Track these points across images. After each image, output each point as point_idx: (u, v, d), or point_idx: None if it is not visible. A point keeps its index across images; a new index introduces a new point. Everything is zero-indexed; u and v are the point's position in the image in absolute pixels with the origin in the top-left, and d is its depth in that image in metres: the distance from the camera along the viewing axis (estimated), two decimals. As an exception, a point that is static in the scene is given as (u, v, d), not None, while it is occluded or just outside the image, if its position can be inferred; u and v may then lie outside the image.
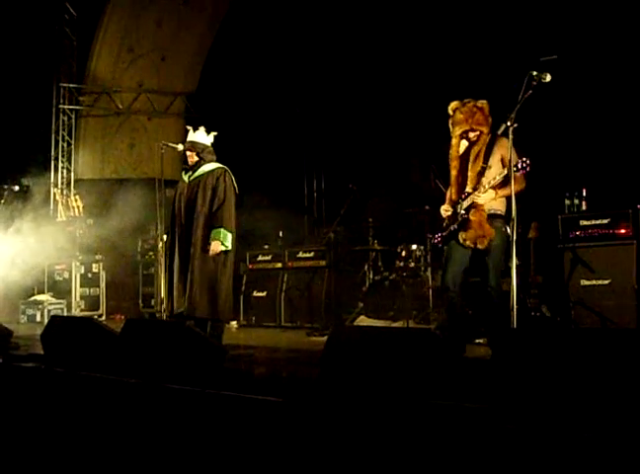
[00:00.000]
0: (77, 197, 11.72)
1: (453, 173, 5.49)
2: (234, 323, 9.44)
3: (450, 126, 5.46)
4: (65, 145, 12.59)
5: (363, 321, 7.87)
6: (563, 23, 7.60)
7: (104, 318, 10.80)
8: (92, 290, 11.05)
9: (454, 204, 5.44)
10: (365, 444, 2.99)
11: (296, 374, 5.20)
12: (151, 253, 11.04)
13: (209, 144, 6.35)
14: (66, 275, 10.96)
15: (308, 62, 10.78)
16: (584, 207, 6.89)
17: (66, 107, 12.53)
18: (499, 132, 5.18)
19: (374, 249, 8.70)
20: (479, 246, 5.22)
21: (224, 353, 4.36)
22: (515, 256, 4.68)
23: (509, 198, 5.03)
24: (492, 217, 5.28)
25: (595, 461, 2.46)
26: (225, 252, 6.10)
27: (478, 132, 5.35)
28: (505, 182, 5.00)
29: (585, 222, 6.67)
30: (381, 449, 2.93)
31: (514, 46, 7.78)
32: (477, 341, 6.09)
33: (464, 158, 5.43)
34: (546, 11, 7.80)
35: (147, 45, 12.67)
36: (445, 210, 5.51)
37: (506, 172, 4.98)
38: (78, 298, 10.85)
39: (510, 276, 4.73)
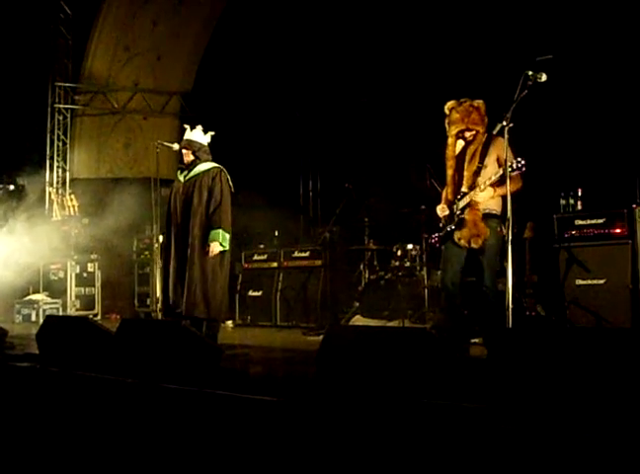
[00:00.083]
0: (72, 196, 11.70)
1: (449, 172, 5.49)
2: (230, 322, 9.44)
3: (447, 126, 5.46)
4: (61, 144, 12.56)
5: (359, 320, 7.87)
6: (559, 23, 7.61)
7: (99, 317, 10.78)
8: (87, 290, 11.03)
9: (450, 204, 5.45)
10: (361, 444, 2.99)
11: (292, 374, 5.20)
12: (147, 252, 11.03)
13: (206, 144, 6.35)
14: (61, 274, 10.93)
15: (304, 62, 10.77)
16: (579, 207, 6.90)
17: (62, 106, 12.51)
18: (494, 132, 5.17)
19: (370, 248, 8.70)
20: (473, 245, 5.23)
21: (220, 352, 4.36)
22: (510, 256, 4.69)
23: (504, 198, 5.04)
24: (487, 217, 5.28)
25: (591, 460, 2.47)
26: (222, 251, 6.11)
27: (474, 132, 5.35)
28: (502, 181, 5.00)
29: (580, 222, 6.68)
30: (377, 449, 2.94)
31: (509, 46, 7.78)
32: (473, 340, 6.09)
33: (460, 158, 5.43)
34: (542, 11, 7.81)
35: (143, 45, 12.65)
36: (442, 210, 5.51)
37: (501, 172, 5.00)
38: (73, 298, 10.82)
39: (505, 276, 4.74)
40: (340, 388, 3.71)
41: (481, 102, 5.37)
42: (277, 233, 10.19)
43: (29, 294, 10.99)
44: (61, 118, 12.55)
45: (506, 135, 4.79)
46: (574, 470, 2.49)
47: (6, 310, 10.61)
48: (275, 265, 9.61)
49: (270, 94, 11.29)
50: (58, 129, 12.52)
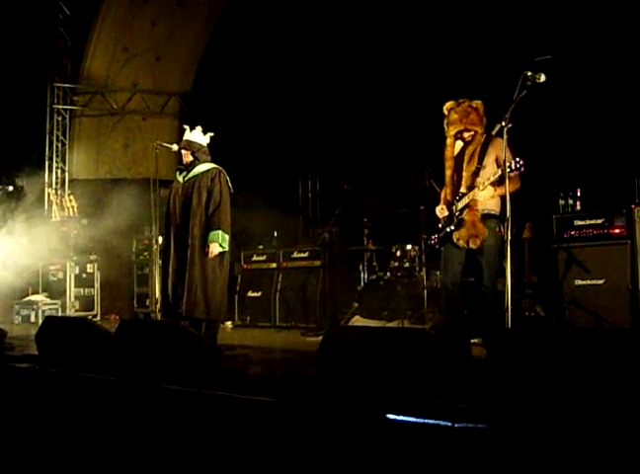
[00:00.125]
0: (71, 197, 11.70)
1: (448, 173, 5.49)
2: (229, 323, 9.44)
3: (445, 126, 5.47)
4: (59, 145, 12.56)
5: (358, 321, 7.87)
6: (557, 23, 7.61)
7: (98, 318, 10.79)
8: (86, 291, 11.04)
9: (449, 205, 5.45)
10: (360, 444, 2.99)
11: (291, 374, 5.20)
12: (146, 253, 11.03)
13: (205, 144, 6.36)
14: (60, 275, 10.94)
15: (303, 62, 10.77)
16: (578, 207, 6.90)
17: (60, 107, 12.51)
18: (493, 132, 5.18)
19: (369, 249, 8.70)
20: (472, 246, 5.23)
21: (219, 353, 4.36)
22: (509, 256, 4.69)
23: (503, 199, 5.04)
24: (486, 217, 5.29)
25: (590, 460, 2.47)
26: (223, 253, 6.11)
27: (473, 132, 5.35)
28: (501, 181, 5.01)
29: (579, 222, 6.68)
30: (376, 449, 2.94)
31: (508, 47, 7.78)
32: (472, 340, 6.09)
33: (459, 158, 5.44)
34: (541, 11, 7.81)
35: (142, 45, 12.64)
36: (441, 211, 5.51)
37: (500, 172, 5.00)
38: (72, 298, 10.83)
39: (504, 277, 4.74)
40: (339, 389, 3.71)
41: (480, 102, 5.37)
42: (276, 234, 10.19)
43: (28, 295, 10.99)
44: (60, 118, 12.55)
45: (505, 136, 4.79)
46: (574, 470, 2.49)
47: (5, 311, 10.61)
48: (274, 265, 9.62)
49: (269, 94, 11.29)
50: (57, 130, 12.52)
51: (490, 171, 5.20)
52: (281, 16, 10.88)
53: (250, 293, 9.73)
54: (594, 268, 6.48)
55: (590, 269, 6.50)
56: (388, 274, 8.15)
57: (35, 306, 10.51)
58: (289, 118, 11.27)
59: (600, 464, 2.45)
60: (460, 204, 5.32)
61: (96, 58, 12.52)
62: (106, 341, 4.83)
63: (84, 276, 11.03)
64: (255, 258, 9.91)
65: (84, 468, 3.61)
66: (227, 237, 6.10)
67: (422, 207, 7.83)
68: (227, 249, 6.13)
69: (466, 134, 5.38)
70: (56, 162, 12.54)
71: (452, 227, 5.35)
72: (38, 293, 10.97)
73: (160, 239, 6.41)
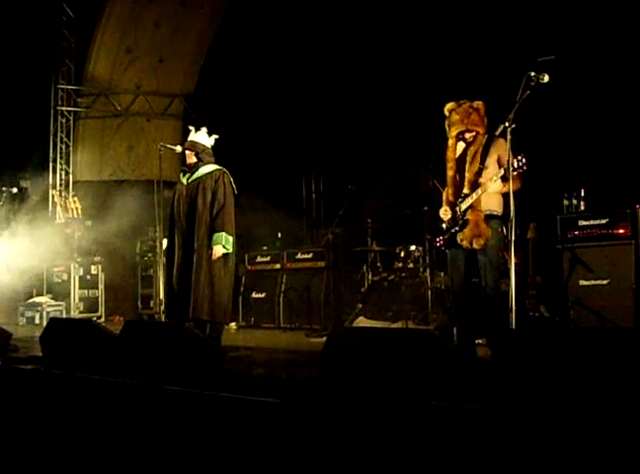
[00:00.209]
0: (76, 198, 11.71)
1: (450, 174, 5.49)
2: (233, 324, 9.44)
3: (447, 128, 5.47)
4: (64, 147, 12.57)
5: (362, 322, 7.87)
6: (561, 23, 7.60)
7: (102, 320, 10.78)
8: (91, 292, 11.05)
9: (452, 206, 5.44)
10: (365, 445, 2.99)
11: (295, 375, 5.20)
12: (150, 254, 11.04)
13: (209, 146, 6.35)
14: (65, 276, 10.95)
15: (306, 63, 10.77)
16: (582, 208, 6.89)
17: (64, 108, 12.52)
18: (497, 133, 5.17)
19: (373, 250, 8.70)
20: (475, 246, 5.23)
21: (223, 354, 4.36)
22: (513, 256, 4.68)
23: (505, 200, 5.04)
24: (488, 218, 5.28)
25: (594, 461, 2.46)
26: (227, 254, 6.11)
27: (474, 133, 5.35)
28: (504, 180, 5.02)
29: (583, 222, 6.67)
30: (381, 450, 2.93)
31: (512, 47, 7.77)
32: (477, 341, 6.09)
33: (461, 159, 5.43)
34: (544, 11, 7.80)
35: (145, 47, 12.66)
36: (445, 213, 5.50)
37: (503, 171, 5.01)
38: (77, 300, 10.84)
39: (508, 277, 4.74)
40: (343, 390, 3.71)
41: (480, 103, 5.38)
42: (280, 235, 10.20)
43: (32, 297, 11.01)
44: (64, 120, 12.56)
45: (508, 136, 4.78)
46: (578, 471, 2.48)
47: (10, 313, 10.63)
48: (278, 266, 9.62)
49: (272, 95, 11.29)
50: (61, 132, 12.53)
51: (492, 171, 5.20)
52: (285, 16, 10.88)
53: (254, 294, 9.74)
54: (598, 268, 6.48)
55: (594, 269, 6.50)
56: (392, 274, 8.15)
57: (39, 308, 10.52)
58: (293, 118, 11.28)
59: (605, 465, 2.44)
60: (464, 205, 5.32)
61: (99, 60, 12.54)
62: (110, 342, 4.83)
63: (88, 277, 11.04)
64: (259, 259, 9.92)
65: (88, 469, 3.61)
66: (231, 239, 6.09)
67: (426, 208, 7.83)
68: (231, 251, 6.12)
69: (468, 135, 5.38)
70: (60, 164, 12.55)
71: (457, 228, 5.34)
72: (42, 295, 10.99)
73: (165, 241, 6.40)
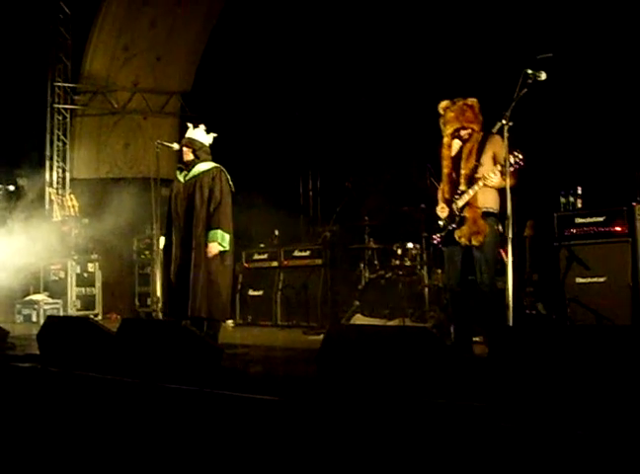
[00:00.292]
0: (72, 196, 11.70)
1: (445, 171, 5.51)
2: (230, 322, 9.42)
3: (442, 126, 5.50)
4: (60, 145, 12.56)
5: (359, 319, 7.87)
6: (559, 21, 7.61)
7: (100, 318, 10.78)
8: (88, 290, 11.04)
9: (449, 203, 5.45)
10: (362, 443, 2.99)
11: (293, 373, 5.20)
12: (147, 252, 11.04)
13: (207, 144, 6.34)
14: (62, 274, 10.94)
15: (303, 61, 10.76)
16: (579, 205, 6.90)
17: (61, 106, 12.50)
18: (494, 130, 5.19)
19: (370, 247, 8.69)
20: (474, 242, 5.24)
21: (221, 352, 4.36)
22: (510, 254, 4.69)
23: (502, 197, 5.06)
24: (485, 215, 5.29)
25: (591, 458, 2.47)
26: (224, 252, 6.10)
27: (469, 130, 5.37)
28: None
29: (580, 220, 6.68)
30: (378, 448, 2.94)
31: (509, 45, 7.77)
32: (474, 339, 6.10)
33: (457, 157, 5.45)
34: (541, 9, 7.80)
35: (142, 45, 12.64)
36: (441, 210, 5.51)
37: (499, 167, 5.02)
38: (74, 298, 10.84)
39: (505, 275, 4.75)
40: (340, 387, 3.71)
41: (475, 100, 5.40)
42: (277, 232, 10.18)
43: (29, 295, 11.00)
44: (61, 118, 12.54)
45: (505, 134, 4.80)
46: (575, 468, 2.49)
47: (7, 311, 10.62)
48: (275, 264, 9.62)
49: (269, 93, 11.28)
50: (58, 130, 12.51)
51: (488, 168, 5.22)
52: (281, 14, 10.87)
53: (251, 292, 9.73)
54: (595, 265, 6.48)
55: (591, 266, 6.50)
56: (389, 272, 8.14)
57: (36, 306, 10.51)
58: (290, 116, 11.27)
59: (602, 462, 2.45)
60: (460, 202, 5.33)
61: (96, 58, 12.52)
62: (107, 340, 4.83)
63: (85, 275, 11.03)
64: (256, 256, 9.91)
65: (86, 467, 3.61)
66: (227, 236, 6.07)
67: (423, 206, 7.82)
68: (228, 248, 6.11)
69: (463, 132, 5.40)
70: (57, 161, 12.53)
71: (454, 225, 5.36)
72: (39, 293, 10.98)
73: (162, 239, 6.40)
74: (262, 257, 9.85)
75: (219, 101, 12.13)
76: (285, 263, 9.49)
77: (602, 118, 7.31)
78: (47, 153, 12.44)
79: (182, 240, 6.17)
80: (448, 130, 5.43)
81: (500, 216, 5.26)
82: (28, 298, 10.83)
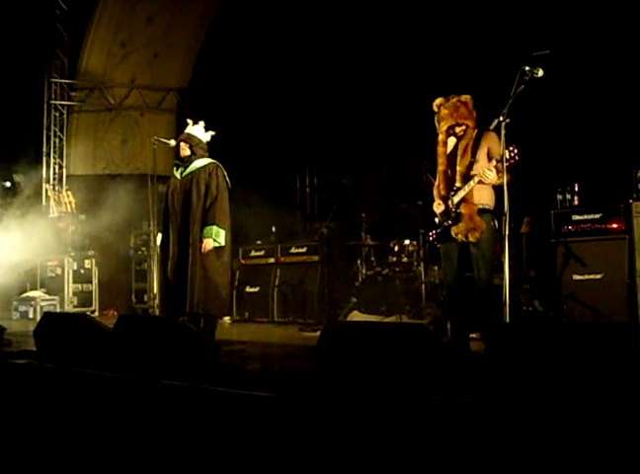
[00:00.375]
0: (69, 192, 11.69)
1: (441, 168, 5.52)
2: (227, 318, 9.43)
3: (436, 123, 5.51)
4: (57, 141, 12.54)
5: (356, 316, 7.87)
6: (555, 17, 7.61)
7: (96, 314, 10.77)
8: (84, 286, 11.03)
9: (445, 200, 5.46)
10: (359, 439, 3.00)
11: (289, 369, 5.20)
12: (144, 248, 11.03)
13: (205, 141, 6.34)
14: (59, 271, 10.93)
15: (299, 57, 10.76)
16: (576, 202, 6.90)
17: (58, 102, 12.47)
18: (491, 127, 5.19)
19: (367, 244, 8.70)
20: (471, 239, 5.24)
21: (217, 348, 4.36)
22: (507, 250, 4.69)
23: (497, 194, 5.06)
24: (481, 212, 5.30)
25: (588, 454, 2.47)
26: (221, 248, 6.09)
27: (464, 126, 5.38)
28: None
29: (577, 217, 6.69)
30: (375, 444, 2.94)
31: (506, 42, 7.78)
32: (470, 335, 6.10)
33: (453, 154, 5.45)
34: (538, 6, 7.80)
35: (139, 41, 12.61)
36: (438, 206, 5.52)
37: (495, 162, 5.03)
38: (71, 294, 10.82)
39: (502, 271, 4.75)
40: (337, 384, 3.71)
41: (468, 96, 5.40)
42: (274, 229, 10.18)
43: (26, 291, 10.98)
44: (57, 114, 12.52)
45: (502, 131, 4.80)
46: (570, 465, 2.49)
47: (3, 307, 10.61)
48: (272, 260, 9.62)
49: (266, 89, 11.27)
50: (55, 126, 12.49)
51: (483, 164, 5.23)
52: (278, 11, 10.86)
53: (248, 289, 9.73)
54: (591, 262, 6.50)
55: (587, 263, 6.52)
56: (386, 269, 8.15)
57: (33, 302, 10.49)
58: (287, 112, 11.26)
59: (597, 459, 2.45)
60: (456, 199, 5.34)
61: (93, 54, 12.49)
62: (104, 336, 4.83)
63: (82, 271, 11.02)
64: (253, 253, 9.91)
65: (82, 464, 3.61)
66: (222, 232, 6.06)
67: (420, 203, 7.83)
68: (224, 244, 6.10)
69: (458, 129, 5.40)
70: (54, 158, 12.51)
71: (450, 222, 5.36)
72: (36, 289, 10.96)
73: (159, 235, 6.39)
74: (258, 253, 9.85)
75: (216, 97, 12.12)
76: (282, 259, 9.49)
77: (599, 116, 7.32)
78: (44, 149, 12.42)
79: (179, 236, 6.16)
80: (443, 127, 5.43)
81: (496, 213, 5.26)
82: (24, 295, 10.82)
